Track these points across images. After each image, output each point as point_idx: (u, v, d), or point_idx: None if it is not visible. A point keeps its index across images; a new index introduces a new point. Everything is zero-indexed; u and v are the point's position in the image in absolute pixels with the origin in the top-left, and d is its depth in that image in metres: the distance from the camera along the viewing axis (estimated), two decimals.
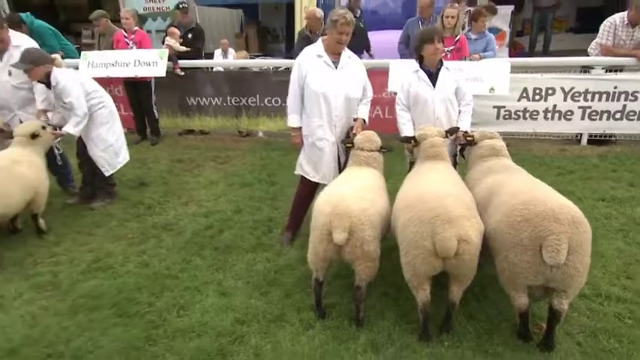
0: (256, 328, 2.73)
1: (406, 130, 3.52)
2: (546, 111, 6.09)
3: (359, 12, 6.99)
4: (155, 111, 6.59)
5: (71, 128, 4.06)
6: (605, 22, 5.89)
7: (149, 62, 6.11)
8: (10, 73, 4.05)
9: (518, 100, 6.07)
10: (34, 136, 3.82)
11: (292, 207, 3.79)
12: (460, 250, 2.31)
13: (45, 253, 3.65)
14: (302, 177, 3.70)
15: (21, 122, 4.15)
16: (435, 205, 2.39)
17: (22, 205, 3.61)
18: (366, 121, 3.57)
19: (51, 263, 3.51)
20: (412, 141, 3.23)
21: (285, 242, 3.71)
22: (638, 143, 6.05)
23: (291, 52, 8.11)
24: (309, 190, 3.68)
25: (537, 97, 6.07)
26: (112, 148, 4.46)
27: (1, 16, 4.09)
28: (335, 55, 3.40)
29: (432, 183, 2.73)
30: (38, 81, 4.01)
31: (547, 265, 2.23)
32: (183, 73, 6.56)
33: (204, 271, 3.37)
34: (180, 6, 7.13)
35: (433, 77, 3.53)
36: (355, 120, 3.53)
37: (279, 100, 6.48)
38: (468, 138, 3.28)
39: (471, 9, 6.38)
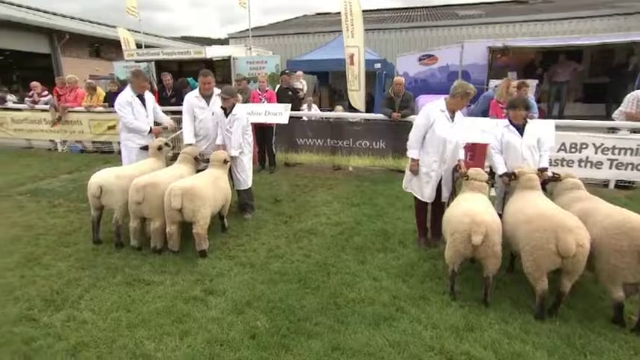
0: (409, 303, 3.08)
1: (501, 168, 3.90)
2: (580, 160, 6.36)
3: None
4: (274, 148, 7.28)
5: (233, 151, 4.62)
6: (628, 96, 6.24)
7: (276, 113, 6.80)
8: (212, 113, 4.76)
9: (557, 151, 6.38)
10: (225, 161, 4.44)
11: (416, 219, 4.20)
12: (577, 252, 2.65)
13: (232, 243, 4.16)
14: (415, 196, 4.13)
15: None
16: (556, 218, 2.77)
17: (220, 207, 4.18)
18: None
19: (239, 250, 4.00)
20: (512, 176, 3.63)
21: (423, 245, 4.10)
22: None
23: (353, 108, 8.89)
24: (423, 205, 4.11)
25: (573, 150, 6.37)
26: (246, 172, 4.85)
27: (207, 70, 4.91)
28: (452, 112, 3.89)
29: (543, 204, 3.10)
30: (222, 107, 4.59)
31: None
32: None
33: (352, 262, 3.76)
34: (287, 71, 8.16)
35: (520, 130, 3.95)
36: (459, 160, 3.98)
37: (367, 143, 7.04)
38: (555, 175, 3.64)
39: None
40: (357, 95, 9.02)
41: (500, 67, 10.64)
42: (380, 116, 6.92)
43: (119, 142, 5.63)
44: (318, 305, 3.03)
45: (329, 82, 13.93)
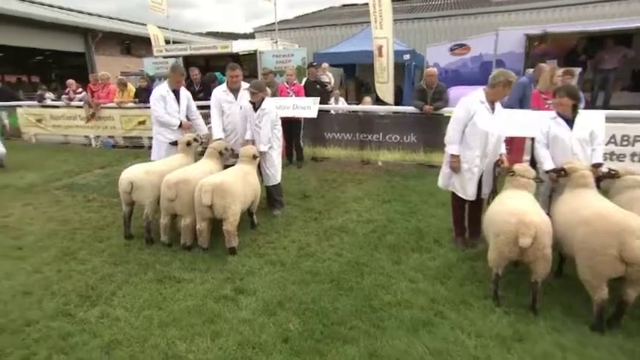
0: (448, 307, 2.89)
1: (548, 164, 3.59)
2: (633, 154, 5.87)
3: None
4: (301, 142, 7.17)
5: (262, 147, 4.50)
6: None
7: (304, 106, 6.68)
8: (240, 107, 4.70)
9: (607, 144, 5.91)
10: (254, 157, 4.36)
11: (453, 217, 3.98)
12: None
13: (262, 240, 4.08)
14: (453, 193, 3.90)
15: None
16: (619, 220, 2.49)
17: (249, 203, 4.11)
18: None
19: (269, 248, 3.92)
20: (562, 172, 3.33)
21: (460, 245, 3.89)
22: None
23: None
24: (460, 203, 3.89)
25: (625, 143, 5.89)
26: (275, 168, 4.74)
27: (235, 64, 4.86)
28: (491, 103, 3.63)
29: (601, 204, 2.81)
30: (251, 102, 4.47)
31: None
32: None
33: (386, 262, 3.59)
34: (314, 64, 8.04)
35: (570, 122, 3.63)
36: (501, 155, 3.72)
37: (397, 137, 6.81)
38: (612, 172, 3.32)
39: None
40: (385, 88, 8.77)
41: (539, 56, 10.01)
42: (410, 109, 6.67)
43: (149, 138, 5.69)
44: (352, 308, 2.90)
45: (356, 75, 13.66)
